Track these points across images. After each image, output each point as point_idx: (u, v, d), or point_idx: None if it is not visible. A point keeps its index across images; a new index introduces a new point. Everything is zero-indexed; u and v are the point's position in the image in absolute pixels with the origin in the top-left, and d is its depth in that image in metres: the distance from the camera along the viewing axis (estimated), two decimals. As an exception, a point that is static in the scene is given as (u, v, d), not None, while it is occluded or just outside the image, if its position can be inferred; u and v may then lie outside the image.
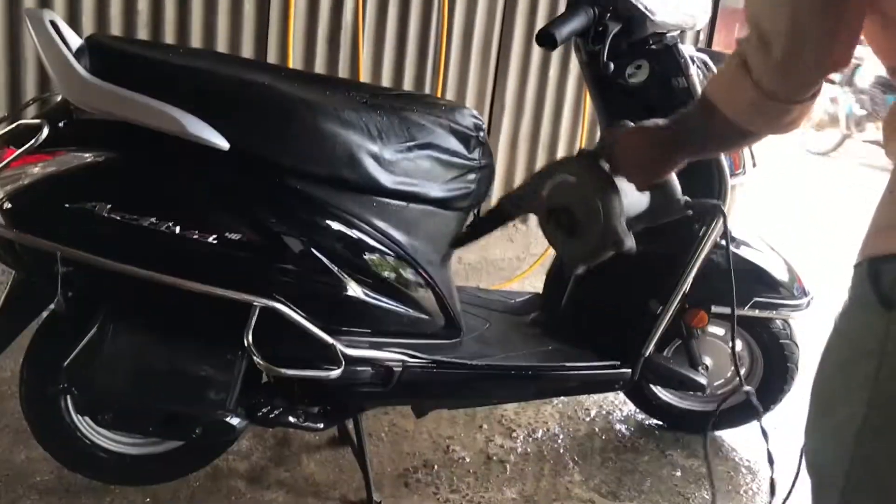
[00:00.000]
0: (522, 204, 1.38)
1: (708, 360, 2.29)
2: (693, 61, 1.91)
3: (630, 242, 1.25)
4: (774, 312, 2.22)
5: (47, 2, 2.73)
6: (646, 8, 1.78)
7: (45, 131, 1.55)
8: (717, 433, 2.48)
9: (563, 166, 1.31)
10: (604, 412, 2.58)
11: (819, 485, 0.96)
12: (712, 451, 2.41)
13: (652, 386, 2.41)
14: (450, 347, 1.95)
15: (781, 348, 2.28)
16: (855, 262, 0.92)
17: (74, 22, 2.77)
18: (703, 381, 2.20)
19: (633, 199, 1.27)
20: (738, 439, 2.47)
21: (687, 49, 1.92)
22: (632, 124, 1.25)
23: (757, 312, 2.19)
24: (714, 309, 2.19)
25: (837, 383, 0.93)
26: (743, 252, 2.21)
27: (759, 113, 1.02)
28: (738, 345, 2.36)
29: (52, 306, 1.65)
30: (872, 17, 0.93)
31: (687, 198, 1.29)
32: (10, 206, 1.56)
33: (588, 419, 2.53)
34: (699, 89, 1.90)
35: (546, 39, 1.68)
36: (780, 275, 2.24)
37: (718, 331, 2.33)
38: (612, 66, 1.78)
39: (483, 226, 1.48)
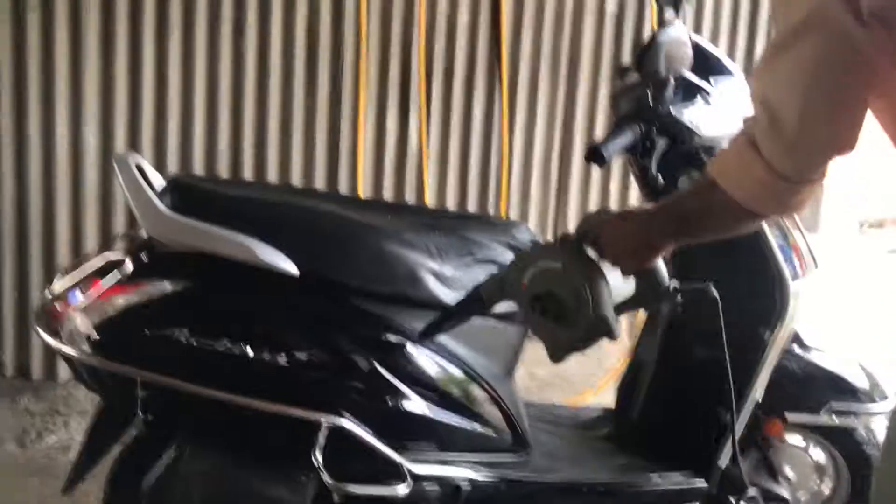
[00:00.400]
0: (503, 292, 1.34)
1: (790, 472, 2.21)
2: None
3: (618, 329, 1.22)
4: (853, 419, 2.14)
5: (136, 145, 2.97)
6: (691, 124, 1.84)
7: (129, 264, 1.67)
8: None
9: (547, 253, 1.28)
10: (685, 530, 2.48)
11: None
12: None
13: (732, 500, 2.32)
14: (518, 463, 1.94)
15: (865, 456, 2.18)
16: None
17: (161, 162, 3.00)
18: (785, 493, 2.11)
19: (617, 284, 1.24)
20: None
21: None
22: (614, 210, 1.25)
23: (834, 419, 2.12)
24: (789, 417, 2.13)
25: (890, 491, 0.91)
26: (813, 357, 2.16)
27: (768, 193, 1.02)
28: (821, 455, 2.27)
29: (132, 430, 1.73)
30: (880, 101, 0.95)
31: (675, 284, 1.25)
32: (96, 335, 1.67)
33: (668, 537, 2.44)
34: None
35: (595, 156, 1.73)
36: (857, 379, 2.17)
37: (798, 440, 2.25)
38: (661, 179, 1.83)
39: (458, 313, 1.44)
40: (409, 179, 3.39)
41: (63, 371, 2.89)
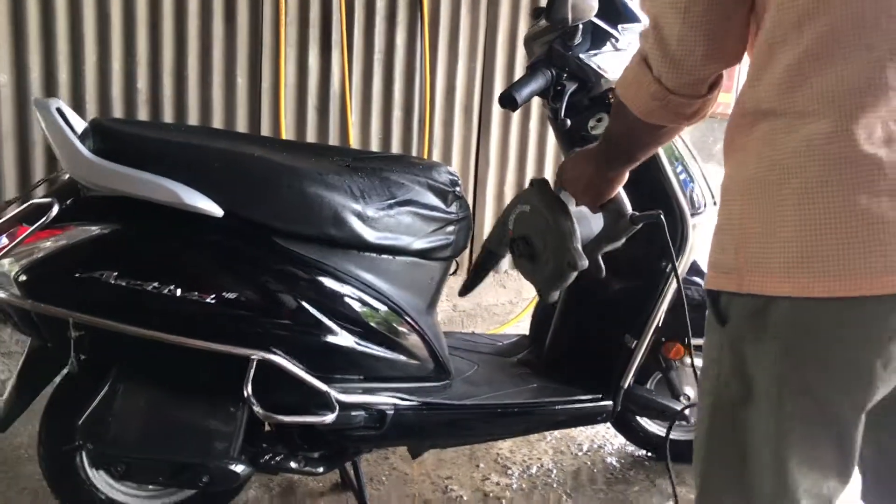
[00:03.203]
0: (502, 241, 1.42)
1: (689, 391, 2.40)
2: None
3: (584, 262, 1.28)
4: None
5: (52, 89, 2.92)
6: (599, 67, 1.94)
7: (55, 209, 1.70)
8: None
9: (523, 198, 1.36)
10: (595, 446, 2.67)
11: (695, 489, 1.07)
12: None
13: (639, 418, 2.52)
14: (439, 389, 2.06)
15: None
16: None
17: (79, 106, 2.95)
18: (684, 409, 2.30)
19: (590, 222, 1.32)
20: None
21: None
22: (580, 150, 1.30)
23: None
24: (690, 341, 2.30)
25: (700, 395, 1.05)
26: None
27: (661, 107, 1.06)
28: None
29: (66, 370, 1.79)
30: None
31: (633, 212, 1.33)
32: (25, 278, 1.70)
33: (580, 453, 2.63)
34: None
35: (507, 101, 1.81)
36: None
37: (699, 362, 2.43)
38: (568, 122, 1.92)
39: (481, 270, 1.52)
40: (332, 122, 3.41)
41: (-14, 315, 2.88)
